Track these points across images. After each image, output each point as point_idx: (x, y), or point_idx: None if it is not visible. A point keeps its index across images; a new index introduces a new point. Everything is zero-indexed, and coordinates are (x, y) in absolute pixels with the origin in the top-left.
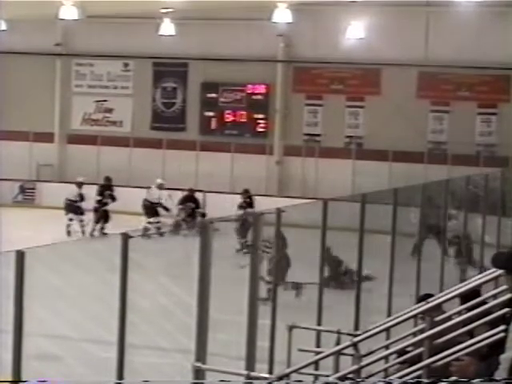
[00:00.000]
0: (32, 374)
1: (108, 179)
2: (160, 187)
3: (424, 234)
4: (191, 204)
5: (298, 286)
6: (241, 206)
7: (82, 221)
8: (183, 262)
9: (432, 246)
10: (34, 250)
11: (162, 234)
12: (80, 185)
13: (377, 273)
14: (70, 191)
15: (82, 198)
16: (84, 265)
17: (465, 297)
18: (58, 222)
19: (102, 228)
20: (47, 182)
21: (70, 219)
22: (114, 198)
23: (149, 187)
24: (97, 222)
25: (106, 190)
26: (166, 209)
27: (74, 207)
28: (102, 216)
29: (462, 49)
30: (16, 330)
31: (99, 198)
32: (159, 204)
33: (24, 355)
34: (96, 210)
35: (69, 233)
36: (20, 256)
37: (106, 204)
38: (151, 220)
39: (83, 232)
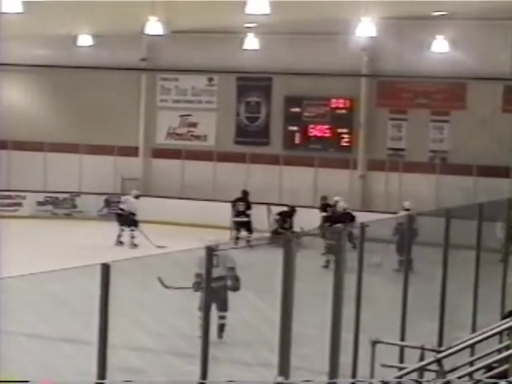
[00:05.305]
0: None
1: (245, 192)
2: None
3: None
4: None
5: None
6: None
7: (133, 230)
8: (269, 276)
9: None
10: (119, 263)
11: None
12: (137, 197)
13: (461, 288)
14: (129, 204)
15: (136, 210)
16: (168, 277)
17: None
18: (142, 235)
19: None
20: None
21: (122, 230)
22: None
23: (232, 201)
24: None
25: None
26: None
27: (129, 219)
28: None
29: None
30: (101, 342)
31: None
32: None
33: (108, 367)
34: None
35: (120, 243)
36: (105, 269)
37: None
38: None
39: (134, 244)
